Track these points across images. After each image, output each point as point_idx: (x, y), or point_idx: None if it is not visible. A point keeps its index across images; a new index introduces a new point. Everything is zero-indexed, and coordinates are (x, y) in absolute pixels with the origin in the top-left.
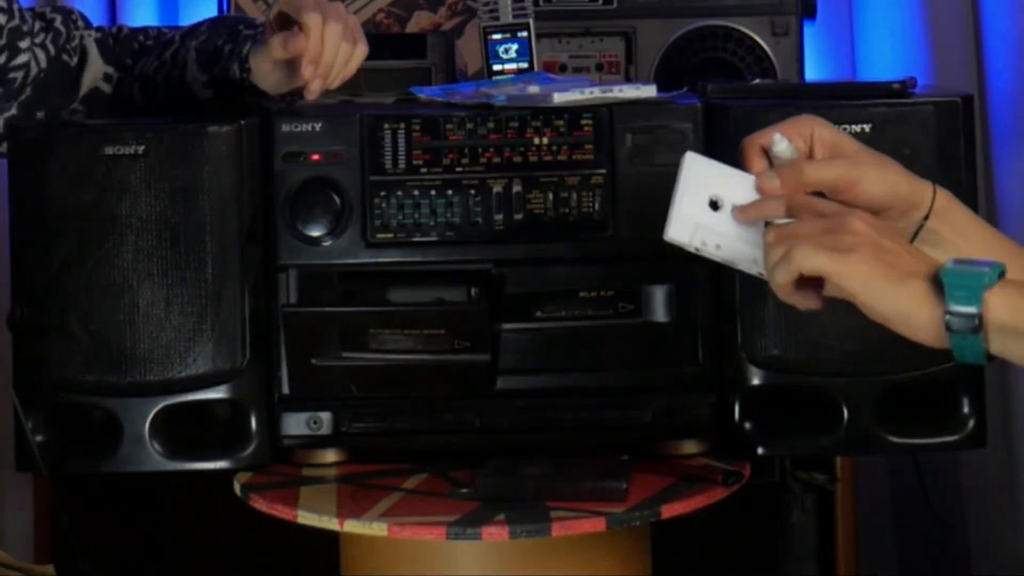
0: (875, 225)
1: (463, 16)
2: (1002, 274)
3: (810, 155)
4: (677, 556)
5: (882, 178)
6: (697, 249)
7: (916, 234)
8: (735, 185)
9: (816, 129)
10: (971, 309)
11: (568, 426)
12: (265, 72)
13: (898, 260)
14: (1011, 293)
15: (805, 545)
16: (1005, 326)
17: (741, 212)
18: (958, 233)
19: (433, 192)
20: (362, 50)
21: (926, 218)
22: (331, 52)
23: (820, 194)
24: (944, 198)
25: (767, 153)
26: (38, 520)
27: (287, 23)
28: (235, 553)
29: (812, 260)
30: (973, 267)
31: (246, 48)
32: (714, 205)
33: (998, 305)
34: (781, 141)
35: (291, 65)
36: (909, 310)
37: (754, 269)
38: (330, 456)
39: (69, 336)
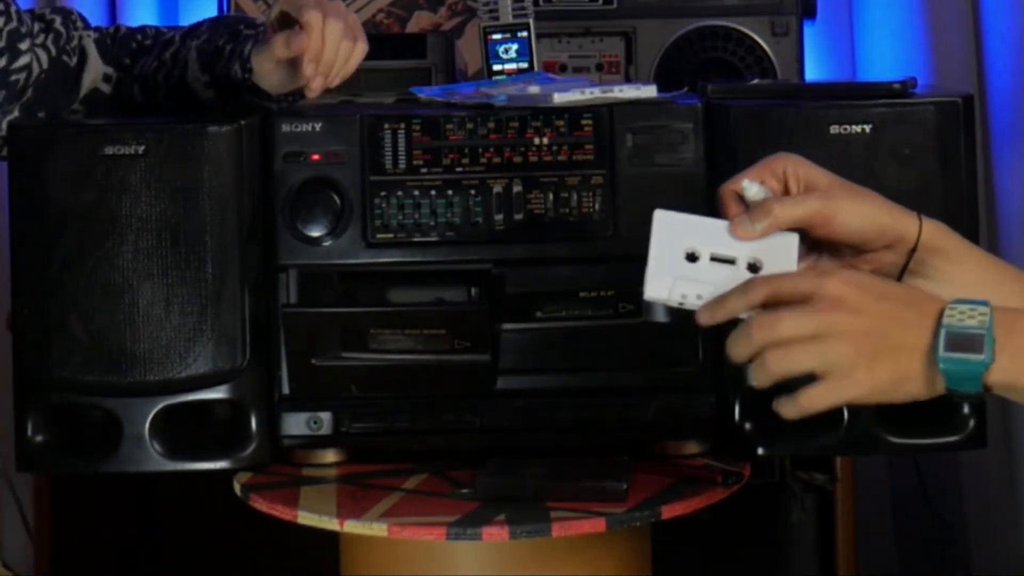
0: (853, 302)
1: (463, 16)
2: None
3: (785, 192)
4: (677, 556)
5: (859, 210)
6: (680, 303)
7: (906, 266)
8: (709, 234)
9: (789, 165)
10: (974, 391)
11: (568, 426)
12: (267, 72)
13: (884, 343)
14: (1009, 355)
15: (805, 545)
16: (1012, 387)
17: (708, 314)
18: (951, 262)
19: (433, 192)
20: (362, 48)
21: (914, 250)
22: (332, 50)
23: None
24: (931, 229)
25: (743, 198)
26: (38, 520)
27: (288, 23)
28: (235, 553)
29: (794, 367)
30: (970, 356)
31: (247, 48)
32: (691, 257)
33: (999, 377)
34: (751, 186)
35: (293, 65)
36: (907, 394)
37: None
38: (330, 456)
39: (69, 336)
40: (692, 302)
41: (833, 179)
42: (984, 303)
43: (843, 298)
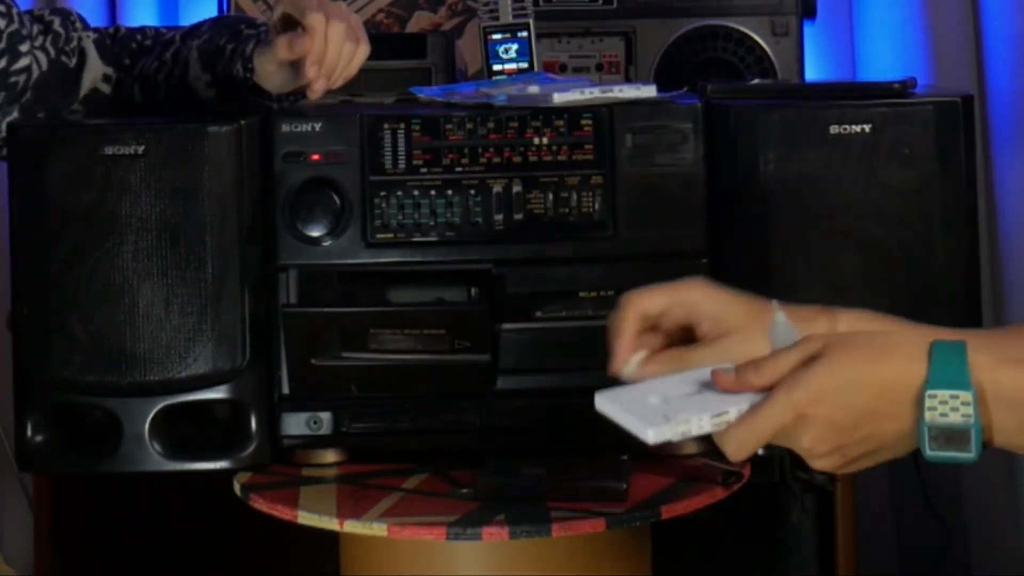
0: (829, 445)
1: (463, 16)
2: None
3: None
4: (677, 556)
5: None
6: (684, 434)
7: None
8: (652, 388)
9: (703, 302)
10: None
11: (568, 426)
12: (269, 72)
13: (862, 460)
14: (998, 430)
15: (805, 545)
16: (1008, 448)
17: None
18: None
19: (433, 192)
20: (364, 50)
21: None
22: (334, 52)
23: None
24: (848, 321)
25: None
26: (38, 520)
27: (291, 24)
28: (235, 553)
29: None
30: (957, 454)
31: (249, 47)
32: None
33: (994, 445)
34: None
35: (295, 65)
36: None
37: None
38: (330, 456)
39: (69, 336)
40: (695, 429)
41: (740, 306)
42: (964, 382)
43: (819, 444)
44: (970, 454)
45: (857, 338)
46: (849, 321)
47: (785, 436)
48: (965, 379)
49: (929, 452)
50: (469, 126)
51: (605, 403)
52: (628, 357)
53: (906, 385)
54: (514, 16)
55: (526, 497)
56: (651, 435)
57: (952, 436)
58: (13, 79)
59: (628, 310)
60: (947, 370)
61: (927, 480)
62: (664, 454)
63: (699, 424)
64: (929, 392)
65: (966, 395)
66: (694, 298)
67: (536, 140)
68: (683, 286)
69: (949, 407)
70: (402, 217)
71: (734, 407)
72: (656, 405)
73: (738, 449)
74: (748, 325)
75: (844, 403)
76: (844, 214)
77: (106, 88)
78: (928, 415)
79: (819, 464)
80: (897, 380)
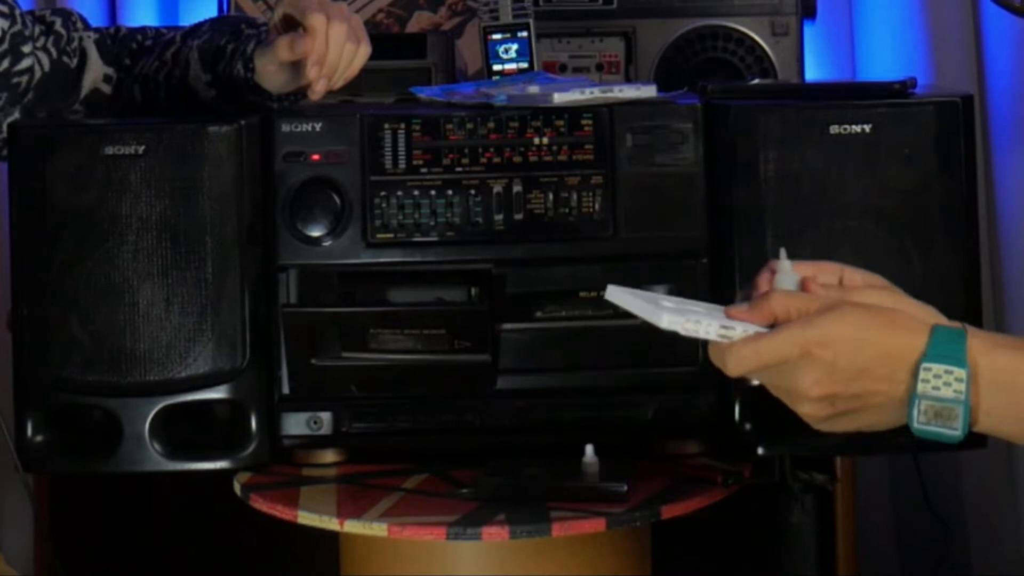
0: (824, 391)
1: (463, 16)
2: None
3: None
4: (677, 556)
5: None
6: (692, 331)
7: None
8: (672, 300)
9: (845, 273)
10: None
11: (568, 426)
12: (270, 73)
13: (853, 419)
14: (985, 411)
15: (805, 545)
16: (992, 434)
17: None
18: None
19: (433, 192)
20: (365, 50)
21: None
22: (336, 53)
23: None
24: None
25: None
26: (38, 520)
27: (292, 25)
28: (235, 553)
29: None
30: (943, 430)
31: (250, 47)
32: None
33: (978, 429)
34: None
35: (295, 66)
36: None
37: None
38: (330, 456)
39: (69, 336)
40: (703, 332)
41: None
42: (960, 360)
43: (815, 387)
44: (956, 431)
45: (870, 305)
46: (857, 279)
47: (786, 370)
48: (961, 357)
49: (916, 425)
50: (469, 126)
51: (616, 293)
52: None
53: (906, 354)
54: (514, 16)
55: (526, 497)
56: (665, 319)
57: (941, 411)
58: (16, 80)
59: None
60: (945, 347)
61: (927, 480)
62: (664, 454)
63: (707, 328)
64: (925, 365)
65: (960, 372)
66: (837, 270)
67: (536, 140)
68: (823, 262)
69: (942, 381)
70: (402, 217)
71: (742, 327)
72: (668, 306)
73: (737, 364)
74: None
75: (848, 353)
76: (844, 214)
77: (107, 88)
78: (921, 387)
79: (806, 408)
80: (899, 348)
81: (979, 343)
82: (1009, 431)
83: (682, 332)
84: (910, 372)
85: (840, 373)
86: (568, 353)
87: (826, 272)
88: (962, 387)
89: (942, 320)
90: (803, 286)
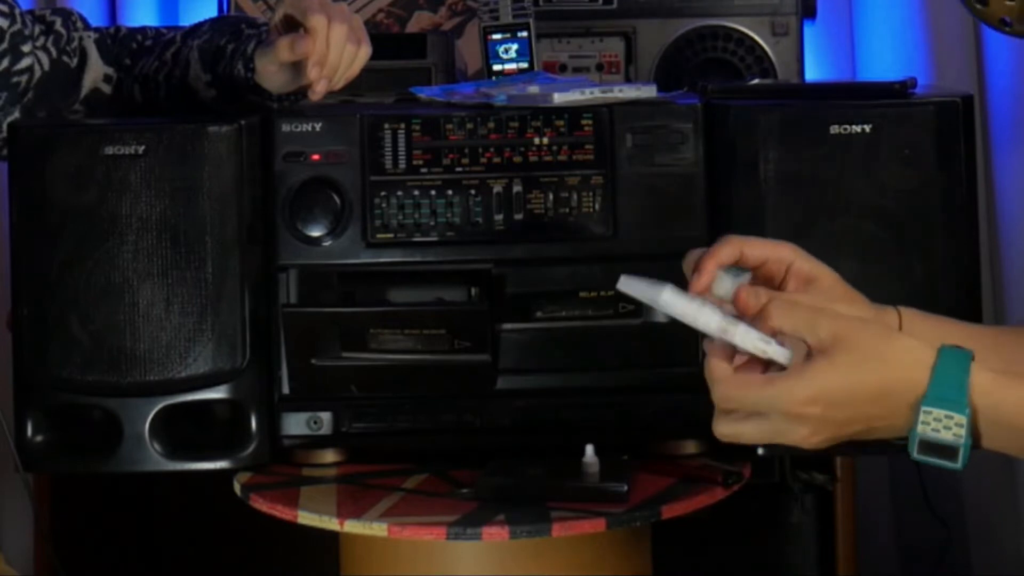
0: (816, 423)
1: (463, 16)
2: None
3: (782, 283)
4: (677, 556)
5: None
6: (692, 318)
7: None
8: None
9: (796, 261)
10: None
11: (568, 426)
12: (270, 73)
13: (858, 435)
14: (989, 440)
15: (805, 545)
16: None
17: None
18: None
19: (433, 192)
20: (366, 51)
21: None
22: (336, 53)
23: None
24: (908, 318)
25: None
26: (38, 520)
27: (293, 25)
28: (235, 553)
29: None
30: (944, 463)
31: (250, 47)
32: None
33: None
34: (725, 279)
35: (296, 66)
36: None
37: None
38: (330, 456)
39: (69, 336)
40: (703, 322)
41: (834, 279)
42: (961, 404)
43: (811, 436)
44: (956, 465)
45: (862, 337)
46: (804, 270)
47: (775, 420)
48: (963, 400)
49: (915, 455)
50: (469, 126)
51: (627, 282)
52: (709, 278)
53: (905, 391)
54: (514, 16)
55: (526, 497)
56: (665, 295)
57: (941, 449)
58: (15, 79)
59: (730, 244)
60: (946, 386)
61: (927, 480)
62: (664, 454)
63: (707, 320)
64: (924, 408)
65: (960, 417)
66: (788, 255)
67: (536, 140)
68: (778, 243)
69: (943, 425)
70: (402, 217)
71: (742, 327)
72: (672, 293)
73: (721, 400)
74: (832, 285)
75: (839, 404)
76: (844, 214)
77: (107, 88)
78: (920, 428)
79: (807, 447)
80: (897, 386)
81: (983, 381)
82: (1014, 454)
83: (678, 316)
84: (910, 408)
85: (832, 422)
86: (568, 353)
87: (778, 258)
88: (962, 431)
89: (951, 333)
90: (736, 296)
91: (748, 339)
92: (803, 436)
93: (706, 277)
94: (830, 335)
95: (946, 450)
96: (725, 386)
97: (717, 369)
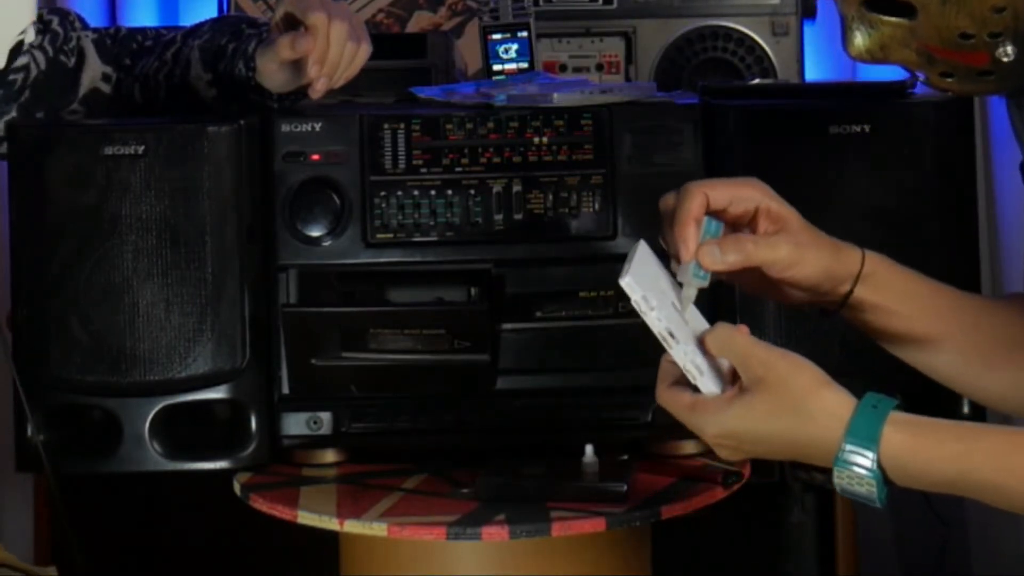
0: (734, 455)
1: (463, 16)
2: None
3: (752, 222)
4: (677, 556)
5: (818, 260)
6: (642, 310)
7: (842, 303)
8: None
9: (763, 201)
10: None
11: (568, 426)
12: (271, 72)
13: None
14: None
15: (805, 545)
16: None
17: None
18: (883, 291)
19: (433, 192)
20: (366, 50)
21: (851, 291)
22: (337, 52)
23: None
24: (871, 262)
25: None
26: (38, 520)
27: (293, 24)
28: (235, 553)
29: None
30: (865, 501)
31: (251, 47)
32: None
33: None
34: (712, 224)
35: (297, 65)
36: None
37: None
38: (330, 456)
39: (69, 336)
40: (654, 320)
41: (801, 221)
42: (871, 469)
43: (720, 446)
44: (876, 505)
45: (786, 387)
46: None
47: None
48: (872, 465)
49: (838, 491)
50: (469, 126)
51: (627, 278)
52: (695, 243)
53: (821, 446)
54: (514, 16)
55: (526, 497)
56: (626, 279)
57: (858, 495)
58: (11, 77)
59: (694, 197)
60: (858, 447)
61: None
62: (664, 454)
63: (657, 318)
64: (837, 468)
65: (870, 479)
66: (755, 195)
67: (536, 140)
68: (742, 182)
69: (855, 481)
70: (402, 217)
71: (682, 346)
72: (659, 284)
73: (660, 400)
74: (799, 228)
75: (753, 442)
76: (844, 214)
77: (106, 88)
78: (836, 481)
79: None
80: (813, 440)
81: (892, 443)
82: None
83: (632, 303)
84: (827, 461)
85: (748, 452)
86: (568, 353)
87: (743, 197)
88: (873, 489)
89: (848, 256)
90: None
91: (684, 360)
92: (724, 456)
93: (692, 242)
94: (755, 378)
95: (864, 497)
96: (658, 391)
97: (660, 371)
